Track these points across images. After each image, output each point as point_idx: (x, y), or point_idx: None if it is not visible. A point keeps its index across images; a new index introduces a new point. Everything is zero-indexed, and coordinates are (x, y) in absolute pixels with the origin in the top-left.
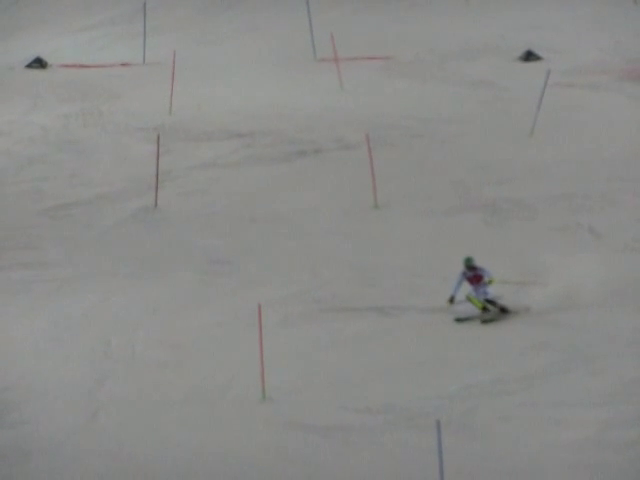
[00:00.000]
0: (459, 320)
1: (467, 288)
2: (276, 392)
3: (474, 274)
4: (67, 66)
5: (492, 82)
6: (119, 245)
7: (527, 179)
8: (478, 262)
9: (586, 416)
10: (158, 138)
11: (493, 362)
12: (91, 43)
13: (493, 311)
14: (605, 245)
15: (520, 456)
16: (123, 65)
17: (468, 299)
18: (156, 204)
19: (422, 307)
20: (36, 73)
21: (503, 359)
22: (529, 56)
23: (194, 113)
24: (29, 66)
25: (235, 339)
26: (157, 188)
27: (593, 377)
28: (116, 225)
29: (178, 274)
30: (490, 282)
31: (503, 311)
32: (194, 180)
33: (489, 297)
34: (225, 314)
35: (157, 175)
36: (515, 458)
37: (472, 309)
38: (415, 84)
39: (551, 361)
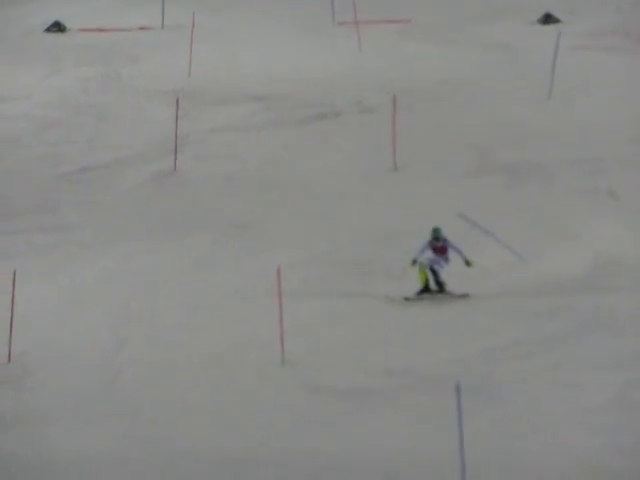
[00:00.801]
0: (407, 299)
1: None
2: (295, 355)
3: (441, 245)
4: (86, 30)
5: (510, 45)
6: (138, 208)
7: (546, 142)
8: (498, 224)
9: (606, 378)
10: (177, 101)
11: (512, 324)
12: (110, 7)
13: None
14: (624, 207)
15: (539, 419)
16: (142, 29)
17: (419, 268)
18: (175, 167)
19: None
20: (55, 37)
21: (522, 321)
22: (548, 19)
23: (213, 76)
24: (48, 30)
25: (254, 302)
26: (176, 151)
27: (613, 339)
28: (135, 189)
29: (197, 237)
30: (468, 264)
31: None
32: (213, 143)
33: (441, 275)
34: (244, 277)
35: (176, 138)
36: (534, 421)
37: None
38: (434, 47)
39: (570, 323)
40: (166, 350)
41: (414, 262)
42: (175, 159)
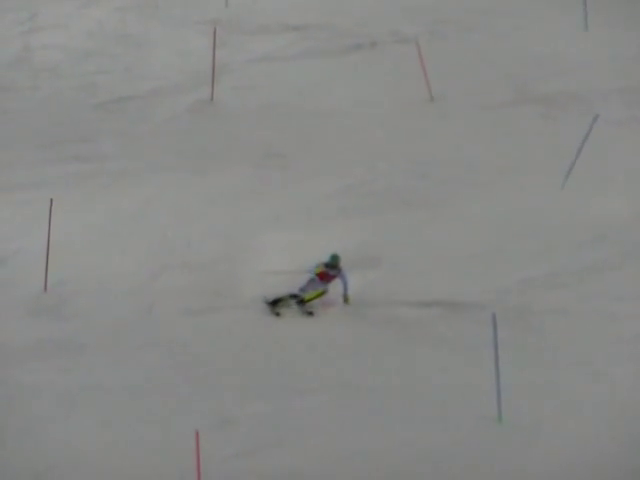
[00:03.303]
0: (268, 302)
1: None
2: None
3: (333, 274)
4: None
5: None
6: (174, 139)
7: (583, 72)
8: (533, 155)
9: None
10: (214, 31)
11: (549, 255)
12: None
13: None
14: None
15: (574, 349)
16: None
17: (319, 292)
18: (212, 98)
19: (476, 200)
20: None
21: (559, 252)
22: None
23: (250, 6)
24: None
25: (291, 231)
26: (213, 82)
27: None
28: (172, 119)
29: (234, 168)
30: (346, 300)
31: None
32: (250, 74)
33: (305, 290)
34: (281, 207)
35: (213, 69)
36: (570, 350)
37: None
38: None
39: (607, 255)
40: (202, 279)
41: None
42: (212, 89)
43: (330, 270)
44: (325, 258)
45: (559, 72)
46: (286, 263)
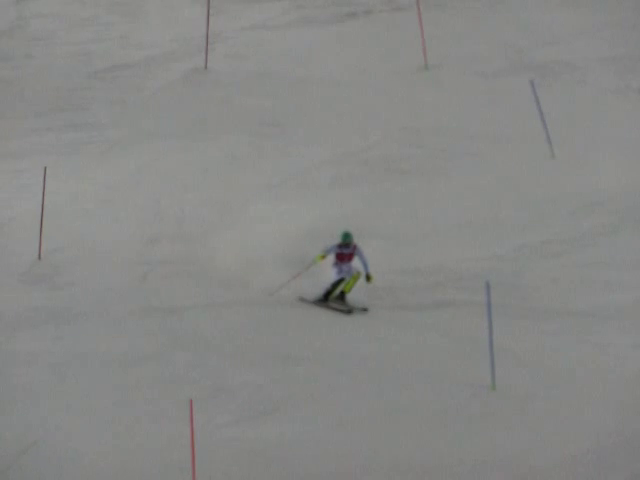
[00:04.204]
0: (302, 300)
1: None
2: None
3: (349, 252)
4: None
5: None
6: (169, 107)
7: (577, 41)
8: (528, 123)
9: (635, 277)
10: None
11: (543, 223)
12: None
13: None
14: None
15: (569, 316)
16: None
17: (352, 278)
18: (206, 66)
19: (470, 167)
20: None
21: (553, 220)
22: None
23: None
24: None
25: (285, 200)
26: (207, 50)
27: None
28: (166, 87)
29: (228, 136)
30: (369, 279)
31: (341, 297)
32: (244, 42)
33: (341, 275)
34: (275, 175)
35: (207, 37)
36: (564, 318)
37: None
38: None
39: (601, 222)
40: (195, 247)
41: (323, 257)
42: (206, 58)
43: (344, 249)
44: (329, 241)
45: (553, 40)
46: (278, 232)
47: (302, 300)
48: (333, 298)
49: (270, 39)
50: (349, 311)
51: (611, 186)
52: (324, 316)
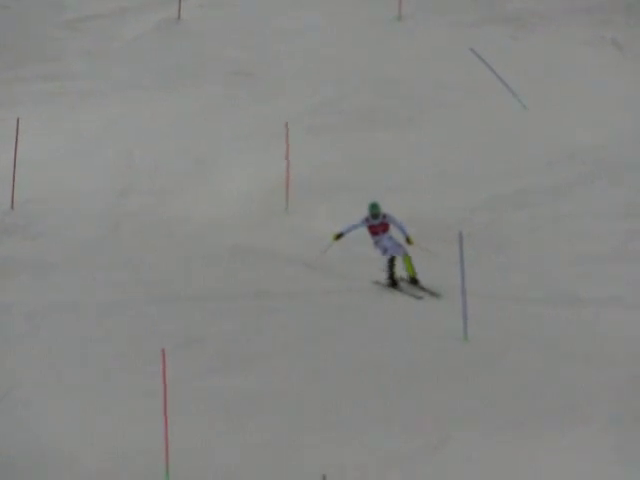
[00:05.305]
0: (377, 283)
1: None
2: (298, 206)
3: (380, 222)
4: None
5: None
6: (142, 57)
7: None
8: (503, 74)
9: (610, 227)
10: None
11: (518, 174)
12: None
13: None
14: (628, 58)
15: (543, 266)
16: None
17: (405, 260)
18: (179, 16)
19: (444, 118)
20: None
21: (528, 171)
22: None
23: None
24: None
25: (259, 150)
26: (180, 0)
27: (617, 188)
28: (139, 37)
29: (201, 86)
30: (409, 241)
31: (413, 282)
32: None
33: (388, 254)
34: (249, 125)
35: None
36: (537, 268)
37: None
38: None
39: (576, 173)
40: (168, 199)
41: (338, 237)
42: (179, 7)
43: (374, 221)
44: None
45: None
46: (253, 183)
47: (377, 283)
48: (406, 282)
49: None
50: (420, 297)
51: (585, 137)
52: (298, 264)
